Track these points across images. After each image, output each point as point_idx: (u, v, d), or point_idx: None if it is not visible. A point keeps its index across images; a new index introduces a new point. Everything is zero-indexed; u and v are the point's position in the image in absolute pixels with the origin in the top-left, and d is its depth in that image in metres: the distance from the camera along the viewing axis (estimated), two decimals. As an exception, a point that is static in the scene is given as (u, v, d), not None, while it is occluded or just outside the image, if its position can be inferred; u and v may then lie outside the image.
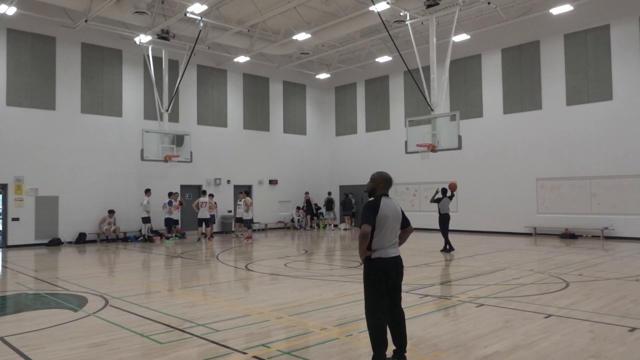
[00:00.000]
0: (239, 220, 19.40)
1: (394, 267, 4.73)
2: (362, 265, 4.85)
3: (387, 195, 4.90)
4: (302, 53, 22.86)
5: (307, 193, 24.50)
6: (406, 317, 4.95)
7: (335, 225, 25.22)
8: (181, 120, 21.43)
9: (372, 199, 4.88)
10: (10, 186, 17.22)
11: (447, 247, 14.42)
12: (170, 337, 5.93)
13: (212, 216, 19.33)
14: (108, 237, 18.76)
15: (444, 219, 14.63)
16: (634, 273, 10.19)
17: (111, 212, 18.84)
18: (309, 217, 24.56)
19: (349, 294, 8.33)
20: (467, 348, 5.33)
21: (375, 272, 4.67)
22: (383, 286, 4.66)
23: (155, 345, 5.62)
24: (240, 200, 19.17)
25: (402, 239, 4.94)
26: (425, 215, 21.97)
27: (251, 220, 19.02)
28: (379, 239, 4.69)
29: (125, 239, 19.21)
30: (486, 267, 11.34)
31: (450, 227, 21.17)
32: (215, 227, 21.96)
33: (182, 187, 21.43)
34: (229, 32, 19.38)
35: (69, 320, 6.78)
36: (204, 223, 18.42)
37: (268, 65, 24.05)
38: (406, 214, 5.05)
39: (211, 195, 19.79)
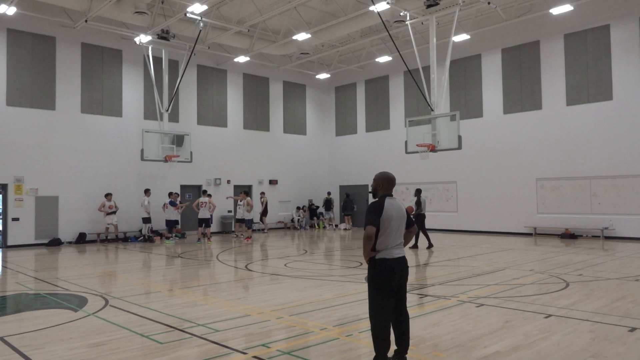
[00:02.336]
0: (240, 220, 19.38)
1: (399, 267, 4.71)
2: (364, 265, 4.84)
3: (391, 196, 4.89)
4: (302, 53, 22.86)
5: (262, 194, 22.45)
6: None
7: (336, 225, 25.22)
8: (181, 120, 21.43)
9: (376, 199, 4.87)
10: (10, 186, 17.22)
11: (418, 244, 15.07)
12: (170, 337, 5.93)
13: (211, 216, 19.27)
14: (107, 237, 18.69)
15: (423, 218, 15.33)
16: (634, 273, 10.18)
17: (108, 195, 18.31)
18: (264, 219, 22.50)
19: (349, 294, 8.33)
20: (467, 348, 5.33)
21: (380, 273, 4.64)
22: (387, 287, 4.63)
23: (155, 345, 5.62)
24: (240, 201, 19.15)
25: (407, 239, 4.92)
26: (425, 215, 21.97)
27: (251, 221, 19.01)
28: (384, 239, 4.67)
29: (125, 239, 19.21)
30: (486, 267, 11.34)
31: (450, 227, 21.46)
32: (215, 227, 22.01)
33: (182, 187, 21.43)
34: (229, 32, 19.39)
35: (69, 320, 6.78)
36: (204, 223, 18.41)
37: (268, 65, 24.05)
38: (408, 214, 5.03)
39: (209, 195, 19.65)
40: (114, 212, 18.40)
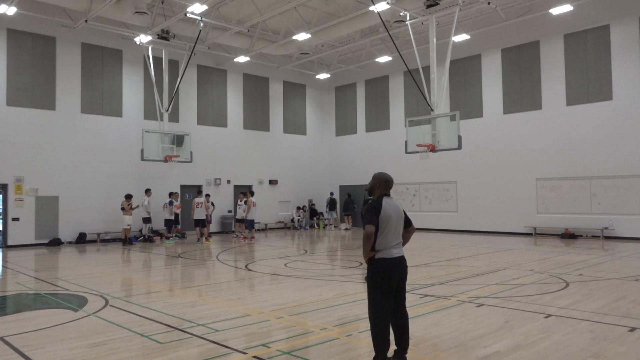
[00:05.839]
0: (239, 220, 19.32)
1: (398, 267, 4.72)
2: (364, 265, 4.84)
3: (389, 196, 4.90)
4: (302, 53, 22.85)
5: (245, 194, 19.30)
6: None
7: (336, 226, 25.19)
8: (181, 120, 21.43)
9: (374, 199, 4.87)
10: (10, 186, 17.22)
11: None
12: (170, 337, 5.93)
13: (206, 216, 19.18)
14: (143, 237, 18.58)
15: None
16: (634, 273, 10.19)
17: (129, 196, 18.17)
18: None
19: (349, 294, 8.33)
20: (467, 348, 5.33)
21: (379, 273, 4.65)
22: (387, 287, 4.64)
23: (155, 345, 5.62)
24: (240, 201, 19.11)
25: (405, 239, 4.93)
26: (425, 215, 22.03)
27: (252, 222, 18.85)
28: (383, 239, 4.68)
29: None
30: (486, 267, 11.34)
31: (450, 227, 21.46)
32: (215, 227, 22.00)
33: (182, 187, 21.42)
34: (229, 32, 19.38)
35: (69, 320, 6.78)
36: (200, 223, 18.38)
37: (268, 65, 24.05)
38: (406, 214, 5.04)
39: (207, 195, 19.60)
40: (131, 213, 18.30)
